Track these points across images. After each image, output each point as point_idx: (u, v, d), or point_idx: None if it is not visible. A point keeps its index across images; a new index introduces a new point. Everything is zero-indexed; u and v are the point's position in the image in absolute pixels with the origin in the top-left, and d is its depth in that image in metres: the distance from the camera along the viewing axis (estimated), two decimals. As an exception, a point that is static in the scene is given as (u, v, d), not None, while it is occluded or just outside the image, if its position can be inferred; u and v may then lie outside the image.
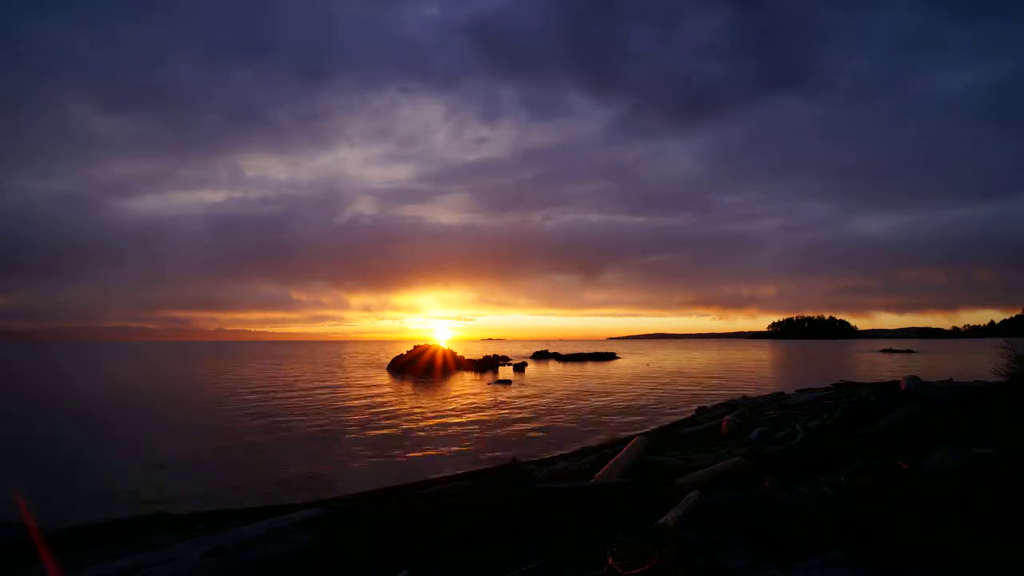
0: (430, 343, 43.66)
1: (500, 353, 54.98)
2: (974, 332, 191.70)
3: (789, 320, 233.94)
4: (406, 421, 17.31)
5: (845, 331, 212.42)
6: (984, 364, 17.24)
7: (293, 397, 24.42)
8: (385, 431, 15.49)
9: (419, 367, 39.30)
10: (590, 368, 45.64)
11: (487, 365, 42.69)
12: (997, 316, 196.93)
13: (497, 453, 12.19)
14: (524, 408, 20.33)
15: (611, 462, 7.25)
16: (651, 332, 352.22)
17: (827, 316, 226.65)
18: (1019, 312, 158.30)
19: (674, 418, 17.04)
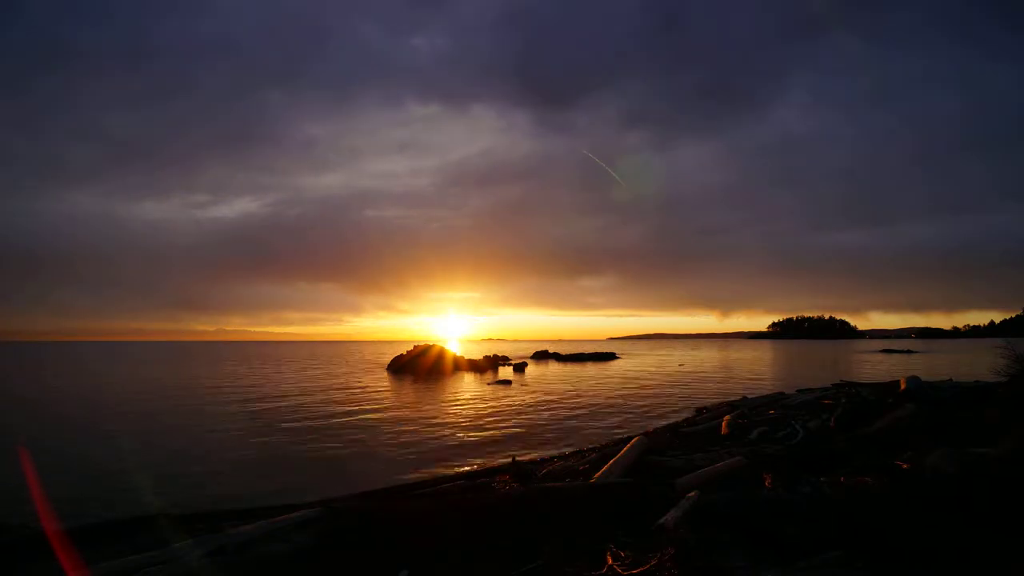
0: (430, 343, 43.63)
1: (500, 353, 54.99)
2: (974, 332, 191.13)
3: (789, 320, 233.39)
4: (405, 422, 17.31)
5: (845, 331, 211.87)
6: (984, 364, 17.24)
7: (292, 398, 24.42)
8: (384, 431, 15.49)
9: (419, 367, 39.27)
10: (590, 368, 45.65)
11: (487, 365, 42.68)
12: (997, 316, 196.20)
13: (497, 453, 12.21)
14: (524, 408, 20.34)
15: (611, 462, 7.25)
16: (651, 332, 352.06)
17: (827, 316, 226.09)
18: (1019, 312, 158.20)
19: (674, 418, 17.06)
